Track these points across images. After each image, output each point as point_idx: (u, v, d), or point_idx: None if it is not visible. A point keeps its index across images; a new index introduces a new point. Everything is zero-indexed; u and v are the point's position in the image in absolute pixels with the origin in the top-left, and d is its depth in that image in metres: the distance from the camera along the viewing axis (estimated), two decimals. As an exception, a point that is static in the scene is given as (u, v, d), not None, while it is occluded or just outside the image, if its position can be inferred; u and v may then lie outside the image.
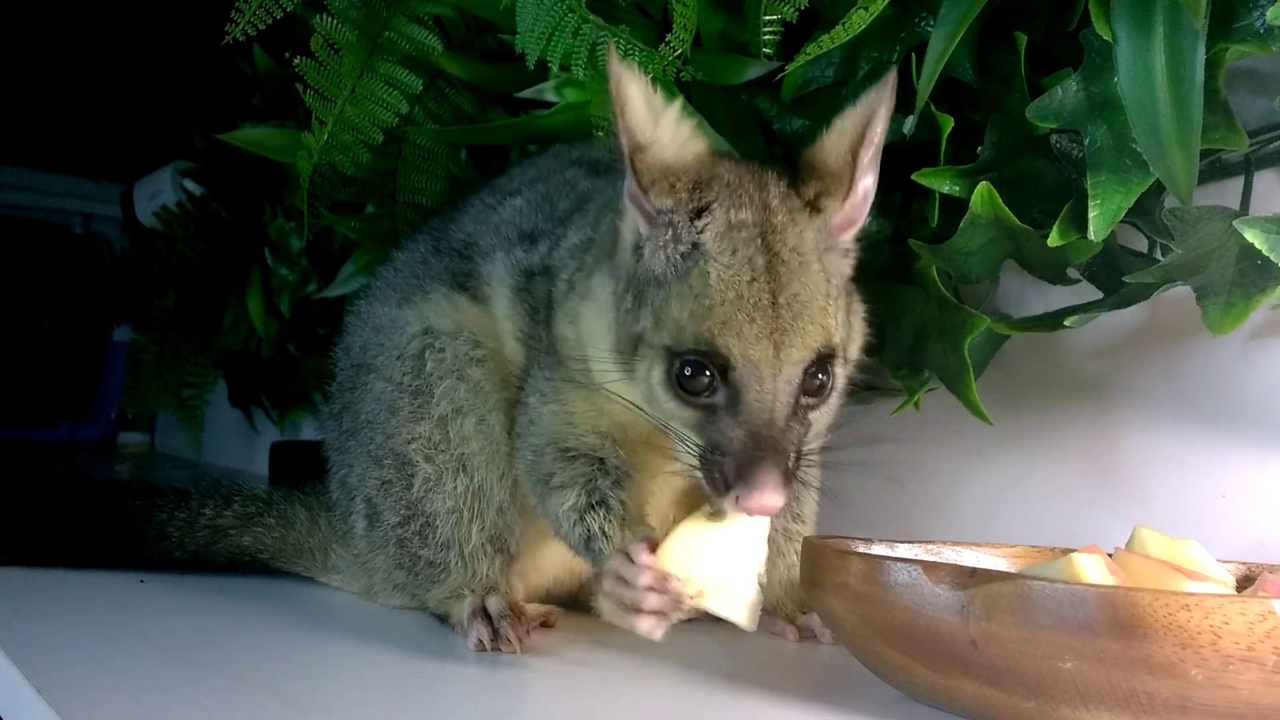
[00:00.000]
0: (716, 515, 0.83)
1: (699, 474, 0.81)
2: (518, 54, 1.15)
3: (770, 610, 1.04)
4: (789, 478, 0.77)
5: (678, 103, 0.82)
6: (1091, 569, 0.71)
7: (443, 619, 1.04)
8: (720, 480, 0.78)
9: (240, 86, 2.22)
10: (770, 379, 0.77)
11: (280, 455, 2.06)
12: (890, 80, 0.83)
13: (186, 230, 2.49)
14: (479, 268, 1.06)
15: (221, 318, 2.42)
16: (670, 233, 0.82)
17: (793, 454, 0.79)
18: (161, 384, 2.58)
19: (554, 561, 1.07)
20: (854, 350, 0.88)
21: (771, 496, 0.76)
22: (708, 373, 0.79)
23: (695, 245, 0.80)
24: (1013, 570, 0.86)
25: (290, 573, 1.27)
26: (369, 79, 1.28)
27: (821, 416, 0.85)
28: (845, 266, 0.87)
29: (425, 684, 0.87)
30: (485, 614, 0.96)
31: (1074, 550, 0.84)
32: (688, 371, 0.80)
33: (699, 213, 0.81)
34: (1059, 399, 1.10)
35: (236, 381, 2.59)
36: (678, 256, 0.81)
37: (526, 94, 1.21)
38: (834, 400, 0.85)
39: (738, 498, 0.76)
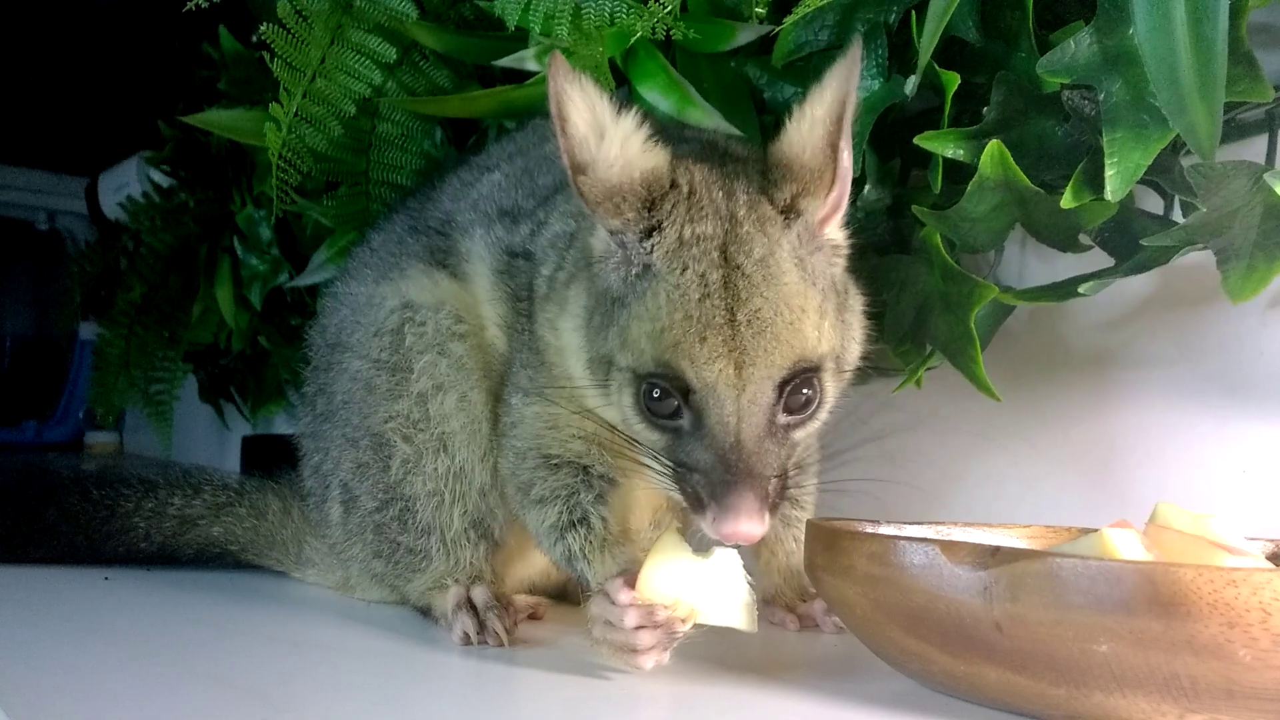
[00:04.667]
0: (686, 530, 0.80)
1: (676, 493, 0.77)
2: (495, 19, 1.09)
3: (769, 599, 1.00)
4: (768, 504, 0.73)
5: (629, 116, 0.76)
6: (1125, 545, 0.67)
7: (424, 612, 0.99)
8: (694, 497, 0.74)
9: (205, 76, 2.15)
10: (731, 400, 0.73)
11: (253, 449, 2.00)
12: (856, 53, 0.76)
13: (153, 221, 2.42)
14: (458, 244, 1.01)
15: (190, 310, 2.35)
16: (622, 253, 0.77)
17: (773, 479, 0.74)
18: (129, 380, 2.51)
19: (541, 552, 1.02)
20: (851, 354, 0.83)
21: (748, 523, 0.71)
22: (673, 396, 0.75)
23: (646, 266, 0.76)
24: (1030, 550, 0.81)
25: (262, 566, 1.22)
26: (340, 48, 1.22)
27: (810, 432, 0.80)
28: (835, 264, 0.81)
29: (407, 678, 0.82)
30: (470, 605, 0.92)
31: (1093, 529, 0.80)
32: (655, 394, 0.75)
33: (649, 232, 0.76)
34: (1066, 374, 1.06)
35: (207, 376, 2.53)
36: (633, 277, 0.76)
37: (505, 62, 1.16)
38: (824, 414, 0.80)
39: (713, 520, 0.72)
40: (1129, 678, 0.60)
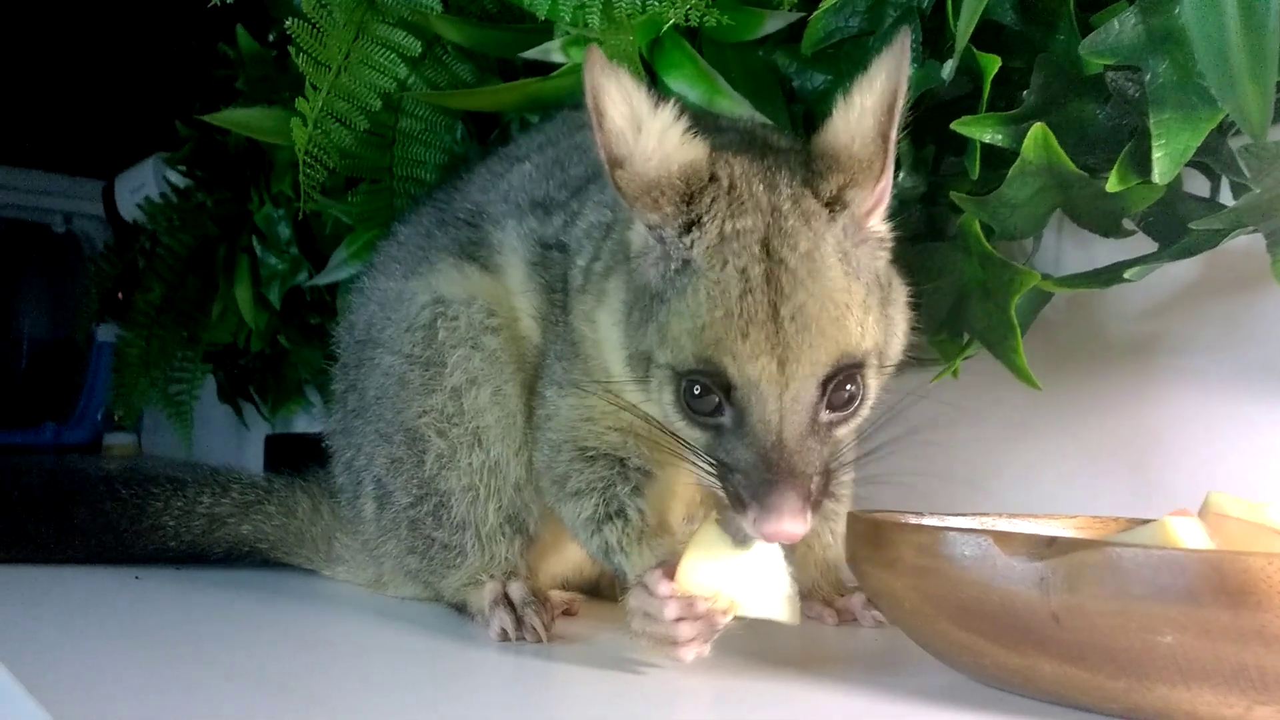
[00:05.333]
0: (726, 522, 0.78)
1: (718, 489, 0.76)
2: (519, 11, 1.08)
3: (806, 593, 0.98)
4: (810, 502, 0.71)
5: (666, 109, 0.74)
6: (1188, 533, 0.65)
7: (459, 609, 0.98)
8: (735, 496, 0.73)
9: (222, 76, 2.15)
10: (774, 398, 0.71)
11: (276, 448, 1.99)
12: (904, 41, 0.74)
13: (171, 222, 2.42)
14: (489, 236, 1.00)
15: (209, 310, 2.34)
16: (660, 249, 0.76)
17: (815, 477, 0.72)
18: (149, 380, 2.50)
19: (576, 547, 1.00)
20: (894, 349, 0.81)
21: (790, 523, 0.69)
22: (714, 393, 0.73)
23: (686, 262, 0.74)
24: (1078, 541, 0.80)
25: (291, 565, 1.22)
26: (364, 42, 1.21)
27: (852, 429, 0.78)
28: (879, 257, 0.79)
29: (445, 674, 0.81)
30: (508, 601, 0.91)
31: (1141, 520, 0.78)
32: (696, 391, 0.74)
33: (688, 227, 0.74)
34: (1106, 362, 1.05)
35: (226, 377, 2.53)
36: (672, 273, 0.75)
37: (531, 54, 1.15)
38: (866, 411, 0.78)
39: (754, 520, 0.71)
40: (1194, 670, 0.58)
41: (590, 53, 0.73)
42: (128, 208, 2.76)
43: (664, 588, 0.75)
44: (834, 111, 0.75)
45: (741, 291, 0.71)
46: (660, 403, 0.77)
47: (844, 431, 0.77)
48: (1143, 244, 0.91)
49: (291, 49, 1.20)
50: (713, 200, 0.74)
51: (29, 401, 3.54)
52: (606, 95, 0.72)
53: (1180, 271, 0.98)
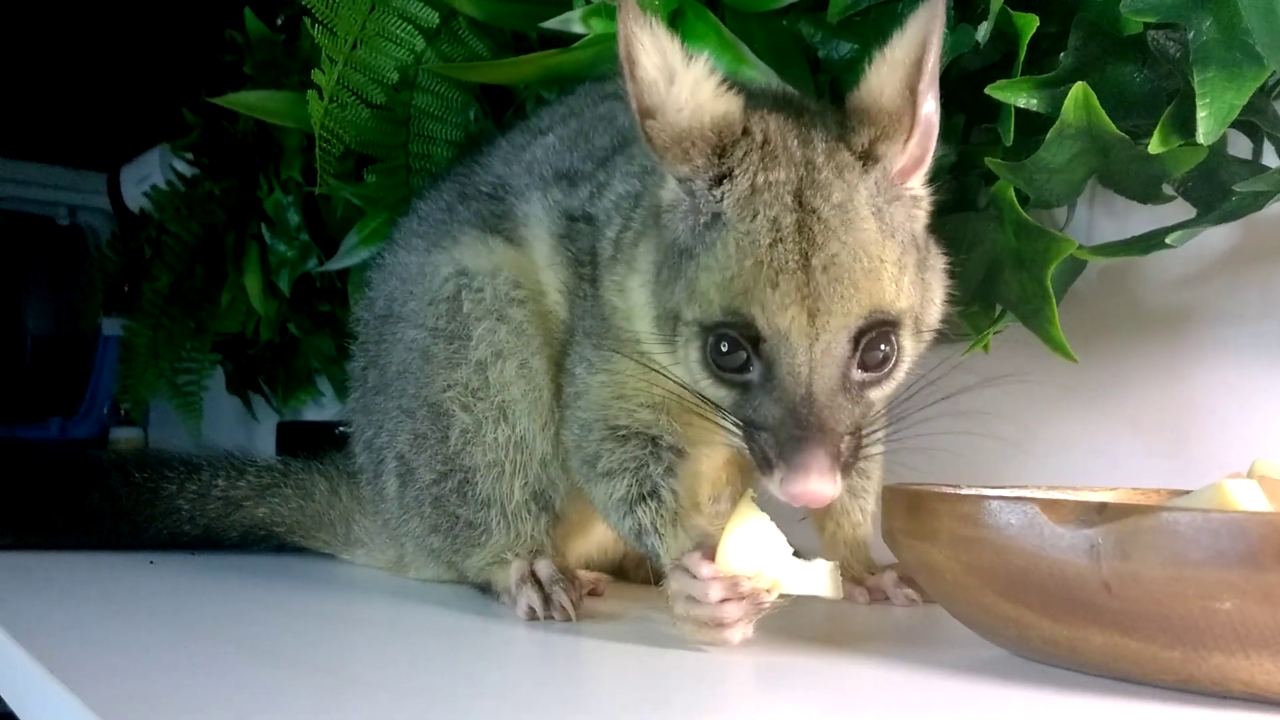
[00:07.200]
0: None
1: (746, 450, 0.74)
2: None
3: (835, 572, 0.96)
4: (841, 463, 0.69)
5: (700, 61, 0.73)
6: (1246, 496, 0.63)
7: (484, 589, 0.97)
8: (762, 457, 0.71)
9: (229, 63, 2.13)
10: (803, 349, 0.69)
11: (288, 435, 1.97)
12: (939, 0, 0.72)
13: (178, 210, 2.40)
14: (513, 209, 0.98)
15: (218, 300, 2.33)
16: (690, 202, 0.74)
17: (846, 437, 0.70)
18: (156, 371, 2.49)
19: (601, 526, 0.99)
20: (931, 315, 0.79)
21: (818, 482, 0.68)
22: (742, 348, 0.71)
23: (716, 215, 0.72)
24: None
25: (308, 548, 1.20)
26: (380, 14, 1.19)
27: (886, 394, 0.76)
28: (915, 218, 0.77)
29: (474, 652, 0.79)
30: (535, 579, 0.89)
31: (1183, 491, 0.76)
32: (723, 348, 0.72)
33: (719, 180, 0.73)
34: (1141, 333, 1.03)
35: (235, 367, 2.51)
36: (701, 227, 0.73)
37: (551, 24, 1.12)
38: (901, 375, 0.76)
39: (781, 480, 0.69)
40: (1254, 637, 0.56)
41: (624, 3, 0.71)
42: (134, 198, 2.75)
43: (706, 569, 0.73)
44: (867, 67, 0.74)
45: (772, 241, 0.69)
46: (686, 362, 0.76)
47: (877, 394, 0.75)
48: (1178, 214, 0.89)
49: (306, 21, 1.18)
50: (745, 153, 0.73)
51: (34, 396, 3.53)
52: (639, 45, 0.70)
53: (1215, 240, 0.96)
